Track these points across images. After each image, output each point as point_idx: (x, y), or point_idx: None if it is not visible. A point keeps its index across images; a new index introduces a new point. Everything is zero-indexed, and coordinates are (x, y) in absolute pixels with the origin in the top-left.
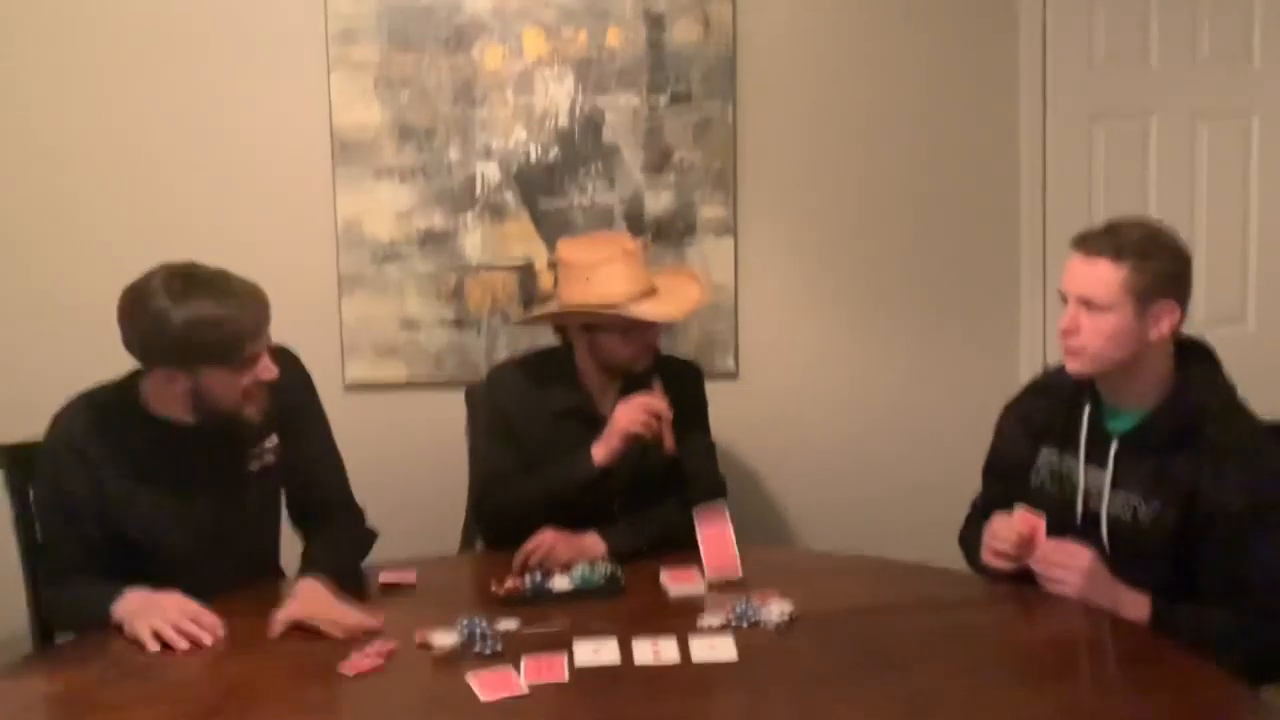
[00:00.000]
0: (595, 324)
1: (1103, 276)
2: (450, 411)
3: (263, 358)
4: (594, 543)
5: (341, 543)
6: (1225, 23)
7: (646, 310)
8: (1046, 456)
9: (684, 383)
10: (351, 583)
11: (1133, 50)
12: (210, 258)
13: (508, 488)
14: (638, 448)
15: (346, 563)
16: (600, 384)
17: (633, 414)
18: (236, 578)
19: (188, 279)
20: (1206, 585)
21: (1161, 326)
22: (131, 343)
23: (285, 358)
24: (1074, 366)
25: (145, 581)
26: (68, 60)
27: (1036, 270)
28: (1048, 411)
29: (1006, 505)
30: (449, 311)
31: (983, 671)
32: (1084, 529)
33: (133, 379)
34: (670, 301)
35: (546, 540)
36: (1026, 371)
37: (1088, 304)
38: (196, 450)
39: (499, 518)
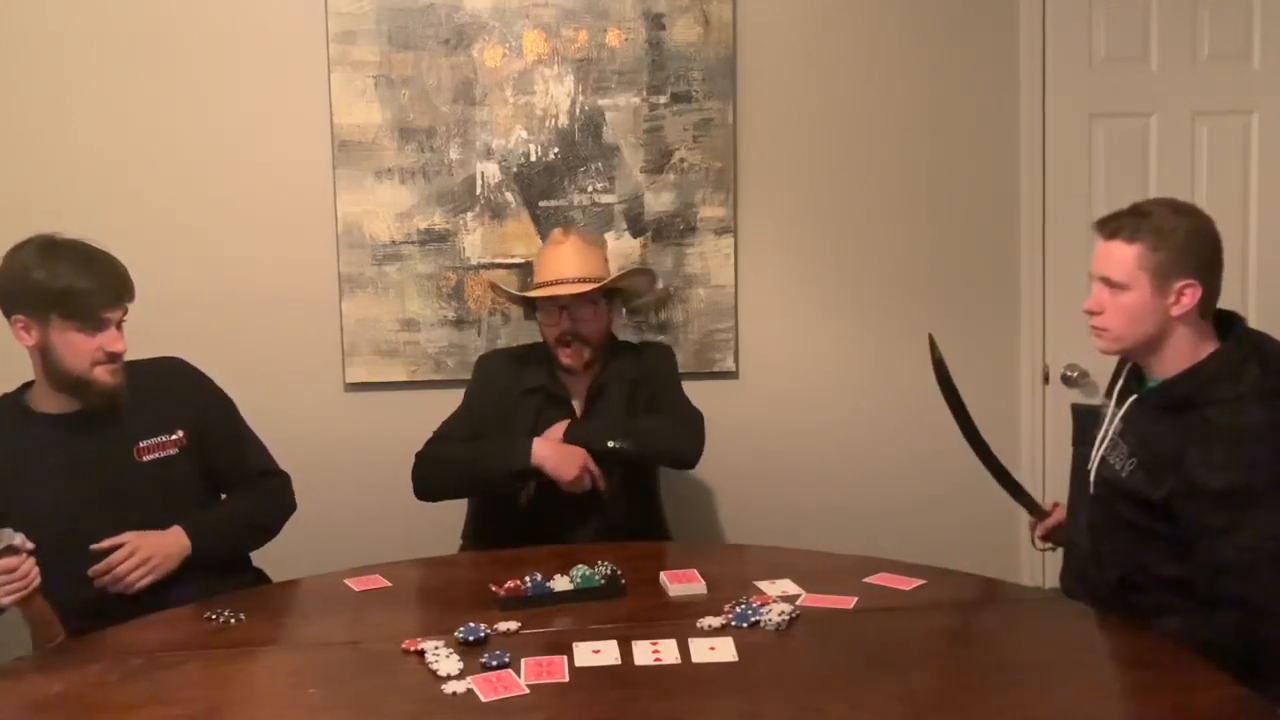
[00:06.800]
0: (531, 303)
1: (1118, 256)
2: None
3: (112, 330)
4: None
5: (241, 502)
6: (1225, 23)
7: (537, 288)
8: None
9: (653, 359)
10: (246, 533)
11: (1133, 50)
12: (211, 257)
13: (445, 443)
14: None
15: (242, 514)
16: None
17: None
18: None
19: (57, 243)
20: (1192, 563)
21: (1183, 303)
22: (1, 295)
23: (178, 364)
24: (1099, 346)
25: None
26: (66, 60)
27: (1036, 270)
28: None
29: None
30: (449, 311)
31: (983, 672)
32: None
33: (23, 387)
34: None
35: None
36: (1027, 371)
37: (1108, 283)
38: (80, 441)
39: (429, 467)
